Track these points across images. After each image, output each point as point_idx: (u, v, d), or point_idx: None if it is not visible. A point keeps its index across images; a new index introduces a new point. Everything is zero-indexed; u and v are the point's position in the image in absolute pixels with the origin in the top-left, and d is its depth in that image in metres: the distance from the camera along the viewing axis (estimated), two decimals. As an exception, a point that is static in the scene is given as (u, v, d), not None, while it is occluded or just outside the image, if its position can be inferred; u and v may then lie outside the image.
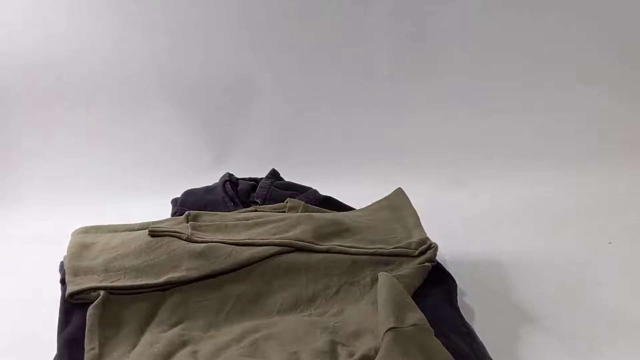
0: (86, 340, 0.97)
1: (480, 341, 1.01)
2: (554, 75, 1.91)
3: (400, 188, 1.42)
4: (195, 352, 0.94)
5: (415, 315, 0.90)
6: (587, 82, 1.91)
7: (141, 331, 1.01)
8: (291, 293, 1.09)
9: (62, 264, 1.20)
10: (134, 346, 0.96)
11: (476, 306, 1.19)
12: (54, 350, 1.00)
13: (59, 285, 1.16)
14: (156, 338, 0.97)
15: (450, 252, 1.31)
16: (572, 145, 1.86)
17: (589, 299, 1.22)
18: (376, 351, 0.88)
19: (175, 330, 0.99)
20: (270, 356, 0.93)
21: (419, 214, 1.31)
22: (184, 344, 0.96)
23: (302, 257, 1.15)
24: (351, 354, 0.92)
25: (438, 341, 0.88)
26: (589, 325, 1.14)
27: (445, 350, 0.88)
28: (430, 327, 0.90)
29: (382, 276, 1.03)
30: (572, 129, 1.89)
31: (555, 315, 1.17)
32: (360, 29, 1.94)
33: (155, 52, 1.98)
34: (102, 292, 1.06)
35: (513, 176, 1.77)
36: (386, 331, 0.87)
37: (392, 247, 1.18)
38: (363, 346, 0.93)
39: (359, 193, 1.49)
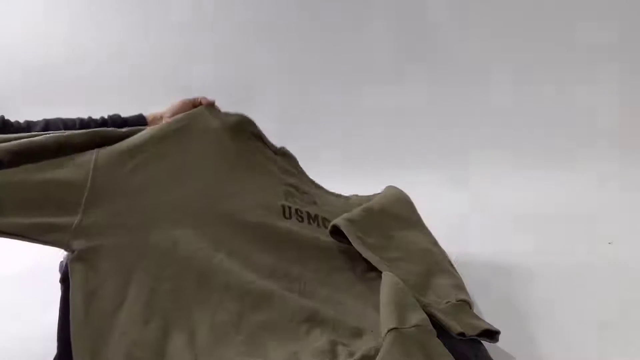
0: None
1: (481, 342, 1.01)
2: (554, 77, 1.92)
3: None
4: (193, 336, 0.93)
5: (418, 316, 0.91)
6: (587, 83, 1.91)
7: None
8: (275, 262, 1.06)
9: (62, 264, 1.19)
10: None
11: (477, 306, 1.19)
12: (54, 350, 1.00)
13: (59, 285, 1.15)
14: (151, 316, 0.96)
15: (449, 252, 1.30)
16: (572, 146, 1.87)
17: (589, 299, 1.23)
18: (376, 351, 0.88)
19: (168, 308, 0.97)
20: (270, 355, 0.93)
21: (419, 214, 1.31)
22: (180, 328, 0.94)
23: (294, 229, 1.12)
24: (351, 354, 0.92)
25: (440, 342, 0.88)
26: (589, 325, 1.14)
27: (447, 351, 0.88)
28: (432, 328, 0.90)
29: (385, 276, 1.02)
30: (572, 129, 1.90)
31: (556, 315, 1.17)
32: (361, 29, 1.94)
33: (155, 54, 1.99)
34: None
35: (513, 177, 1.77)
36: (387, 331, 0.87)
37: None
38: (363, 346, 0.93)
39: (358, 192, 1.49)
